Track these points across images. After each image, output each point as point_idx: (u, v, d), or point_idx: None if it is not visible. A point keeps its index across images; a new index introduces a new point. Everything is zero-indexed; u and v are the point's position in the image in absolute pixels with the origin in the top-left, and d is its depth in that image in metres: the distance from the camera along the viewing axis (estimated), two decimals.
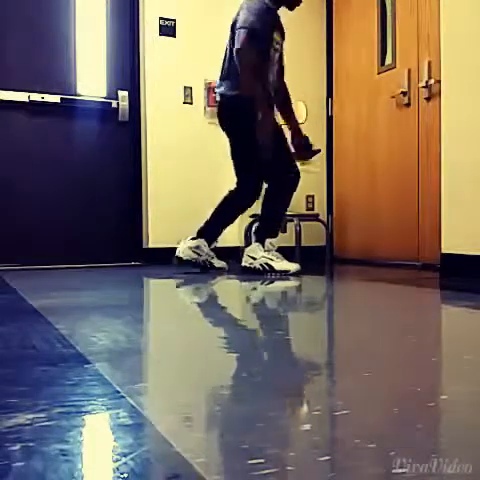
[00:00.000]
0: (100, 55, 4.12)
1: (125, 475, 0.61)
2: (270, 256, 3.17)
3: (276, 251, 3.22)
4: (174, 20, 4.17)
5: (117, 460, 0.65)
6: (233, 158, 3.28)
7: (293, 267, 3.15)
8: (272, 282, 2.94)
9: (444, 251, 2.88)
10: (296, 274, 3.11)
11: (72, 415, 0.82)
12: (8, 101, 3.84)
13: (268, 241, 3.21)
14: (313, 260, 3.74)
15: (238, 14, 3.10)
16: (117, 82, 4.16)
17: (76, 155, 4.04)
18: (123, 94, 4.15)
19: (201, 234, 3.29)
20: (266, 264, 3.15)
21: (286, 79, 3.40)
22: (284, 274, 3.12)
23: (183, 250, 3.28)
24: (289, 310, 2.16)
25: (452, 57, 2.87)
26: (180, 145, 4.17)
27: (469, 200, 2.75)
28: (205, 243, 3.27)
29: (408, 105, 3.82)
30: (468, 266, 2.71)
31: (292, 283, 2.96)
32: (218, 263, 3.34)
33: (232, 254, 4.09)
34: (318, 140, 4.49)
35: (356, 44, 4.34)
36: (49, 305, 2.00)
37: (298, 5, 3.25)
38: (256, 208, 3.87)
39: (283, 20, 3.25)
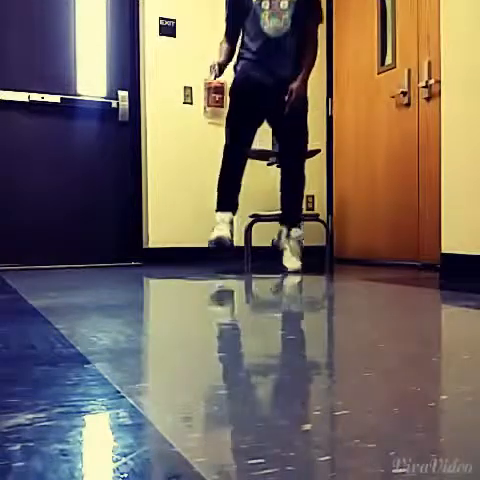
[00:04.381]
0: (100, 55, 4.12)
1: (125, 475, 0.61)
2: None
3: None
4: (174, 20, 4.17)
5: (117, 460, 0.65)
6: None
7: (295, 265, 3.28)
8: (272, 282, 2.95)
9: (444, 251, 2.88)
10: (295, 273, 3.25)
11: (72, 415, 0.82)
12: (8, 101, 3.84)
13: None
14: (313, 260, 3.74)
15: None
16: (117, 82, 4.16)
17: (76, 155, 4.04)
18: (123, 94, 4.15)
19: (282, 221, 3.42)
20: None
21: None
22: (288, 271, 3.28)
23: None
24: (289, 310, 2.16)
25: (452, 57, 2.86)
26: (180, 145, 4.17)
27: (469, 200, 2.75)
28: (285, 231, 3.39)
29: (408, 105, 3.82)
30: (468, 266, 2.71)
31: (292, 283, 2.97)
32: (287, 261, 3.34)
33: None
34: (318, 140, 4.49)
35: (356, 44, 4.34)
36: (49, 305, 2.00)
37: None
38: (256, 208, 3.87)
39: None
